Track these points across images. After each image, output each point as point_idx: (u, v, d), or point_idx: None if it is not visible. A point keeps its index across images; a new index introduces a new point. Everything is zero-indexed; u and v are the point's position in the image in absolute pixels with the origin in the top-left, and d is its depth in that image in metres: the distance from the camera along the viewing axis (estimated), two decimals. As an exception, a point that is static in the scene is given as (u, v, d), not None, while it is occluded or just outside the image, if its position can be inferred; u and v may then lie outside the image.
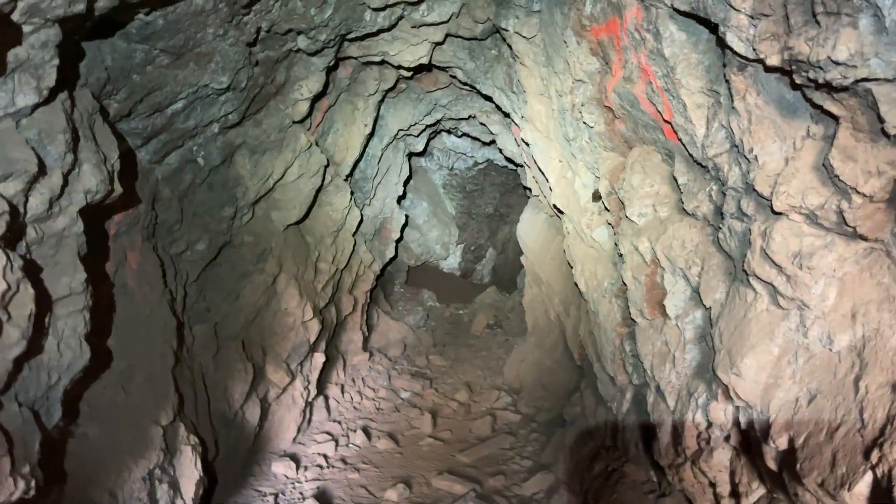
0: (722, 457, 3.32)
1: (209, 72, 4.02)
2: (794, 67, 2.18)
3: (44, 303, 2.69)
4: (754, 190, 2.69)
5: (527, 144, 6.63)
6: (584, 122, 4.47)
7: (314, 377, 7.01)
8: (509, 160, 10.42)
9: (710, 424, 3.32)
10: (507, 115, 8.04)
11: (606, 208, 4.53)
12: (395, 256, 12.81)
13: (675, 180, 3.72)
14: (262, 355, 6.08)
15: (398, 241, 11.66)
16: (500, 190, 16.51)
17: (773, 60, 2.27)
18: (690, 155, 3.36)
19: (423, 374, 9.16)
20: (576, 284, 6.19)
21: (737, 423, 3.10)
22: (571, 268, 6.34)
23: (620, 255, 4.58)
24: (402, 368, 9.34)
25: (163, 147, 4.12)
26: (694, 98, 3.10)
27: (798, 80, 2.21)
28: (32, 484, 2.41)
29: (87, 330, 2.92)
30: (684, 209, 3.53)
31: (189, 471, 3.77)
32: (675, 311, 3.68)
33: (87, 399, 3.12)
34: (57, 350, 2.78)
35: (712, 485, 3.46)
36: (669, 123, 3.52)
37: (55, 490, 2.85)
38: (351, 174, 8.29)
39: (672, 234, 3.59)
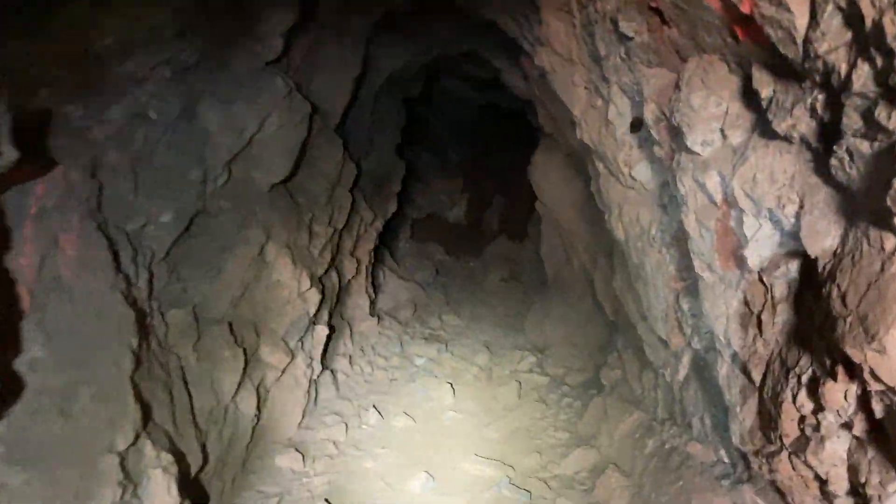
0: (838, 448, 2.57)
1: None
2: None
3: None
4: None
5: (541, 73, 5.74)
6: (621, 33, 3.60)
7: (318, 352, 6.29)
8: (516, 98, 9.49)
9: (820, 408, 2.56)
10: (513, 44, 7.11)
11: (654, 139, 3.69)
12: (399, 210, 11.99)
13: (754, 94, 2.87)
14: (255, 336, 5.33)
15: (400, 193, 10.85)
16: (503, 134, 15.61)
17: None
18: (783, 57, 2.51)
19: (437, 337, 8.44)
20: (608, 232, 5.38)
21: (866, 408, 2.34)
22: (603, 213, 5.54)
23: (674, 197, 3.76)
24: (415, 331, 8.62)
25: (97, 98, 3.28)
26: (796, -27, 2.24)
27: None
28: None
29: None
30: (772, 130, 2.70)
31: (161, 499, 3.06)
32: (760, 263, 2.89)
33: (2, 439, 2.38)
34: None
35: (820, 480, 2.73)
36: (747, 19, 2.67)
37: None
38: (343, 123, 7.42)
39: (755, 165, 2.77)
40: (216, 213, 4.81)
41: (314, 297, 6.09)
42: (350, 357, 7.36)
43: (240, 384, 4.86)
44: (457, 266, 12.17)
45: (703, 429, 3.83)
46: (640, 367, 4.93)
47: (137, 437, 3.11)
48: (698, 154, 3.17)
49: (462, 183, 15.91)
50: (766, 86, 2.71)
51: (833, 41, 2.20)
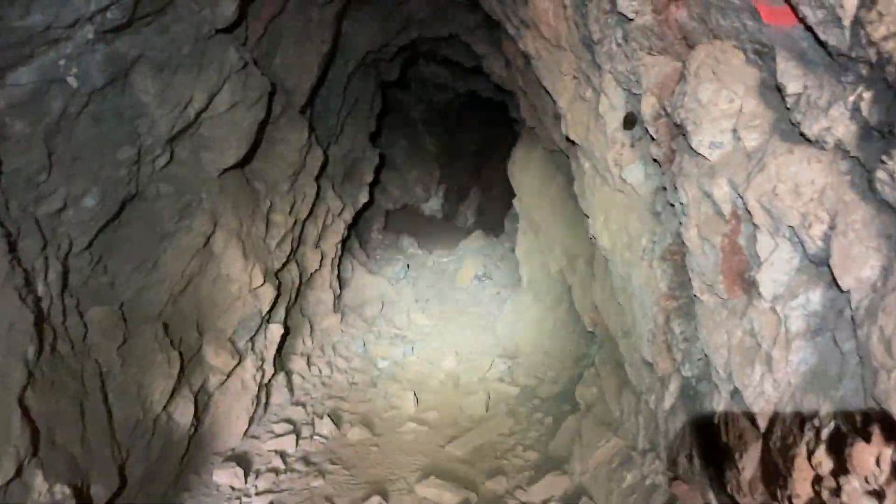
0: (862, 520, 2.14)
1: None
2: None
3: None
4: None
5: (526, 60, 5.26)
6: (619, 14, 3.12)
7: (270, 353, 5.77)
8: (498, 87, 9.01)
9: (843, 470, 2.12)
10: (496, 27, 6.62)
11: (651, 137, 3.22)
12: (372, 201, 11.48)
13: (776, 90, 2.42)
14: (196, 336, 4.80)
15: (373, 183, 10.33)
16: (483, 124, 15.17)
17: None
18: (821, 43, 2.05)
19: (403, 337, 7.95)
20: (590, 236, 4.93)
21: (907, 481, 1.91)
22: (585, 216, 5.08)
23: (670, 204, 3.30)
24: (380, 331, 8.12)
25: (-5, 57, 2.73)
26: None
27: None
28: None
29: None
30: (799, 134, 2.25)
31: (48, 545, 2.55)
32: (774, 290, 2.43)
33: None
34: None
35: (835, 551, 2.30)
36: (776, -3, 2.22)
37: None
38: (310, 105, 6.88)
39: (775, 174, 2.31)
40: (154, 197, 4.26)
41: (268, 293, 5.58)
42: (308, 357, 6.85)
43: (174, 391, 4.34)
44: (429, 261, 11.68)
45: (689, 468, 3.40)
46: (620, 386, 4.49)
47: (22, 466, 2.59)
48: (705, 157, 2.71)
49: (439, 173, 15.44)
50: (794, 79, 2.26)
51: (894, 25, 1.75)
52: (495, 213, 14.88)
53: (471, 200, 16.10)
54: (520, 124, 9.23)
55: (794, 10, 2.10)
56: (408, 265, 10.95)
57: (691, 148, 2.76)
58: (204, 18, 3.94)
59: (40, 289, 3.23)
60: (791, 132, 2.35)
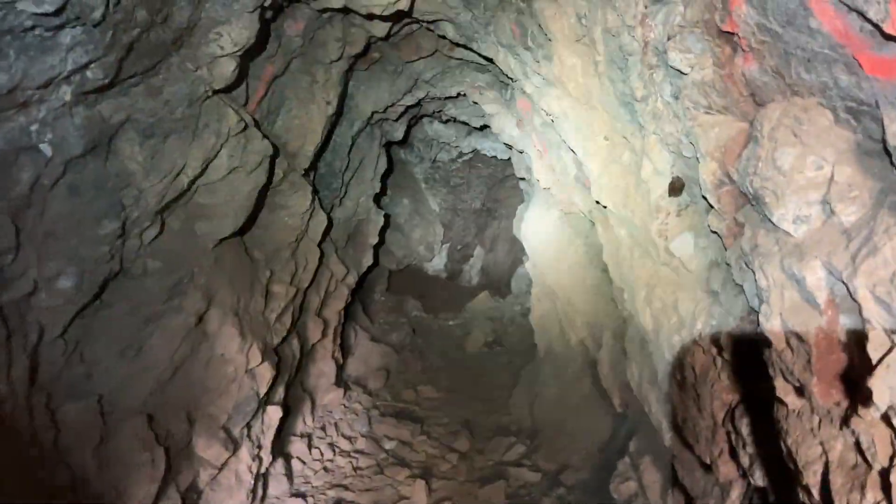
0: None
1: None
2: None
3: None
4: None
5: (545, 118, 4.90)
6: (671, 68, 2.74)
7: (268, 440, 5.25)
8: (507, 146, 8.69)
9: None
10: (510, 85, 6.31)
11: (710, 206, 2.80)
12: (376, 263, 11.07)
13: (883, 156, 2.02)
14: (186, 426, 4.30)
15: (377, 245, 9.93)
16: (487, 183, 14.93)
17: None
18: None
19: (410, 414, 7.40)
20: (621, 310, 4.48)
21: None
22: (613, 285, 4.64)
23: (731, 282, 2.86)
24: (386, 405, 7.57)
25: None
26: None
27: None
28: None
29: None
30: (926, 210, 1.83)
31: None
32: (891, 399, 1.97)
33: None
34: None
35: None
36: (885, 44, 1.83)
37: None
38: (313, 168, 6.51)
39: (892, 258, 1.88)
40: (140, 275, 3.82)
41: (266, 373, 5.09)
42: (309, 438, 6.30)
43: (159, 493, 3.81)
44: (435, 325, 11.19)
45: None
46: (665, 485, 3.97)
47: None
48: (788, 234, 2.28)
49: (442, 232, 15.09)
50: (915, 142, 1.85)
51: None
52: (501, 272, 14.51)
53: (475, 259, 15.72)
54: (529, 184, 8.89)
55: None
56: (413, 330, 10.45)
57: (770, 222, 2.33)
58: (200, 78, 3.58)
59: (2, 388, 2.76)
60: (907, 207, 1.93)
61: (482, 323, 11.01)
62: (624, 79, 3.24)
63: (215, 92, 3.79)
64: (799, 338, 2.26)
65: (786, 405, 2.43)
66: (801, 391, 2.34)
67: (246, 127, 4.23)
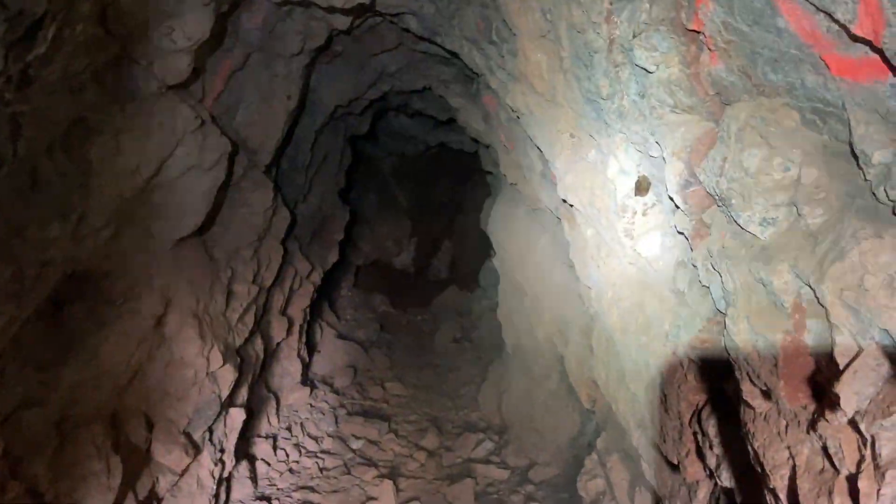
0: None
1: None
2: None
3: None
4: None
5: (511, 114, 4.84)
6: (637, 66, 2.70)
7: (231, 442, 5.13)
8: (474, 140, 8.63)
9: None
10: (476, 79, 6.24)
11: (676, 206, 2.78)
12: (342, 259, 10.95)
13: (848, 157, 2.00)
14: (145, 432, 4.17)
15: (343, 240, 9.81)
16: (454, 177, 14.87)
17: None
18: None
19: (378, 412, 7.32)
20: (591, 311, 4.46)
21: None
22: (580, 283, 4.62)
23: (697, 283, 2.84)
24: (353, 403, 7.48)
25: None
26: None
27: None
28: None
29: None
30: (893, 213, 1.81)
31: None
32: (858, 403, 1.95)
33: None
34: None
35: None
36: (852, 46, 1.80)
37: None
38: (275, 164, 6.38)
39: (860, 263, 1.85)
40: (95, 277, 3.68)
41: (228, 375, 4.97)
42: (274, 439, 6.19)
43: (116, 503, 3.68)
44: (403, 320, 11.11)
45: None
46: (633, 482, 3.96)
47: None
48: (755, 236, 2.26)
49: (410, 227, 15.00)
50: (879, 146, 1.82)
51: None
52: (469, 265, 14.46)
53: (443, 253, 15.67)
54: (496, 178, 8.85)
55: (888, 60, 1.67)
56: (381, 325, 10.37)
57: (737, 224, 2.30)
58: (153, 74, 3.44)
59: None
60: (873, 210, 1.91)
61: (450, 318, 10.97)
62: (589, 76, 3.19)
63: (169, 88, 3.66)
64: (766, 341, 2.24)
65: (752, 408, 2.42)
66: (767, 394, 2.32)
67: (203, 123, 4.09)
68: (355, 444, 6.43)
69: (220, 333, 4.97)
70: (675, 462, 3.19)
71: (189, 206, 4.28)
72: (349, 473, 5.84)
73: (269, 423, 6.38)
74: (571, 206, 4.01)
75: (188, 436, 4.56)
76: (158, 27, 3.35)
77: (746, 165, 2.24)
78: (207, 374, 4.72)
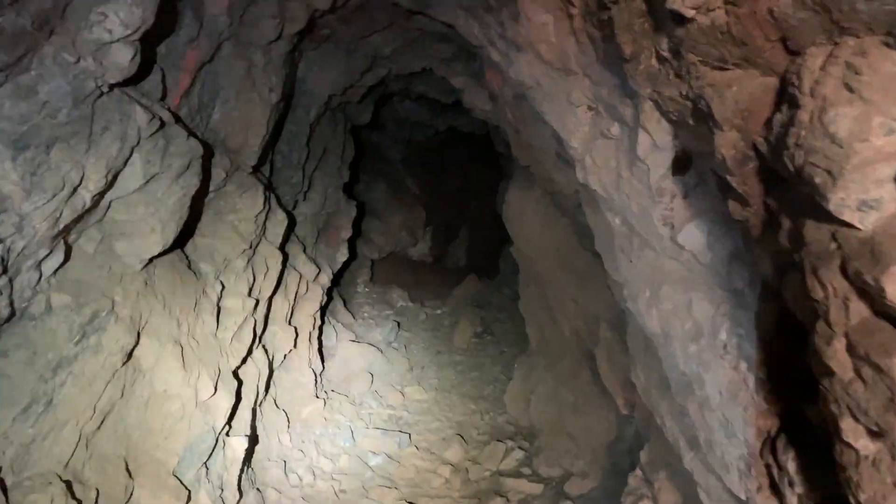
0: None
1: None
2: None
3: None
4: None
5: (518, 93, 4.25)
6: (670, 12, 2.10)
7: (232, 476, 4.65)
8: (481, 121, 8.02)
9: None
10: (476, 57, 5.64)
11: (730, 188, 2.18)
12: (354, 256, 10.49)
13: None
14: (125, 479, 3.68)
15: (354, 235, 9.30)
16: (466, 161, 14.30)
17: None
18: None
19: (397, 419, 6.82)
20: (625, 309, 3.88)
21: None
22: (607, 276, 4.04)
23: (778, 289, 2.25)
24: (371, 413, 6.97)
25: None
26: None
27: None
28: None
29: None
30: None
31: None
32: None
33: None
34: None
35: None
36: None
37: None
38: (265, 163, 5.85)
39: None
40: (42, 314, 3.17)
41: (222, 402, 4.48)
42: (285, 463, 5.70)
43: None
44: (422, 314, 10.58)
45: None
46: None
47: None
48: (852, 226, 1.66)
49: (424, 215, 14.44)
50: None
51: None
52: (487, 251, 13.93)
53: (460, 240, 15.15)
54: (509, 160, 8.24)
55: None
56: (398, 324, 9.84)
57: (823, 209, 1.71)
58: (87, 71, 2.90)
59: None
60: None
61: (470, 311, 10.42)
62: (609, 34, 2.59)
63: (112, 87, 3.12)
64: (877, 368, 1.65)
65: (855, 450, 1.83)
66: (878, 435, 1.74)
67: (162, 125, 3.56)
68: (374, 461, 5.93)
69: (209, 357, 4.46)
70: (744, 498, 2.61)
71: (156, 220, 3.75)
72: (367, 497, 5.34)
73: (279, 443, 5.89)
74: (595, 190, 3.42)
75: (178, 478, 4.06)
76: (87, 14, 2.81)
77: (833, 130, 1.64)
78: (197, 405, 4.23)
